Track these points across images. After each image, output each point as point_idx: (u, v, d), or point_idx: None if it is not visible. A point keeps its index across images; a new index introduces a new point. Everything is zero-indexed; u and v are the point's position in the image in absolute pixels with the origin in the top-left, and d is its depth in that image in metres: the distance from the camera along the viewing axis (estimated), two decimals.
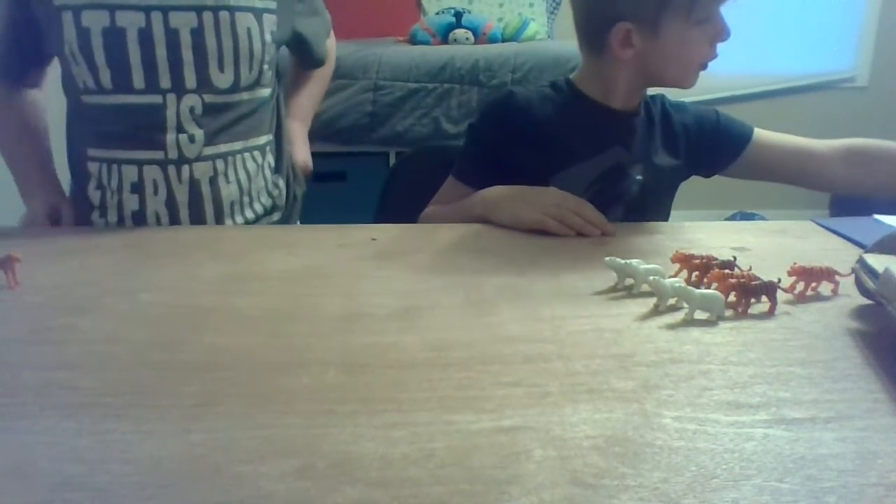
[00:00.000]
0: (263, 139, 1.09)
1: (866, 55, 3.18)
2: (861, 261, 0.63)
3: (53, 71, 1.06)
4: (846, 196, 3.02)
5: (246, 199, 1.06)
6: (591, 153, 1.01)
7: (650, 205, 1.03)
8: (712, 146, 1.06)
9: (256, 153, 1.07)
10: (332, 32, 1.33)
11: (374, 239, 0.86)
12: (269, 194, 1.11)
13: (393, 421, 0.44)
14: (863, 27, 3.16)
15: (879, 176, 1.01)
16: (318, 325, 0.60)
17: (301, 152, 1.25)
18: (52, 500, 0.37)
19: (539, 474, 0.38)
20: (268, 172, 1.11)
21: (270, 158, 1.12)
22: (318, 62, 1.27)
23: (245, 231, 1.00)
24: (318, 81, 1.33)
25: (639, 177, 1.01)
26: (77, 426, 0.44)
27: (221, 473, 0.39)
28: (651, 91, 1.06)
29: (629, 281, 0.68)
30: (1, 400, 0.47)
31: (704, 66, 0.97)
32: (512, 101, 1.04)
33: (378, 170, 2.14)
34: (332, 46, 1.34)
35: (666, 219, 1.10)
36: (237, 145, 1.04)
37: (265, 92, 1.07)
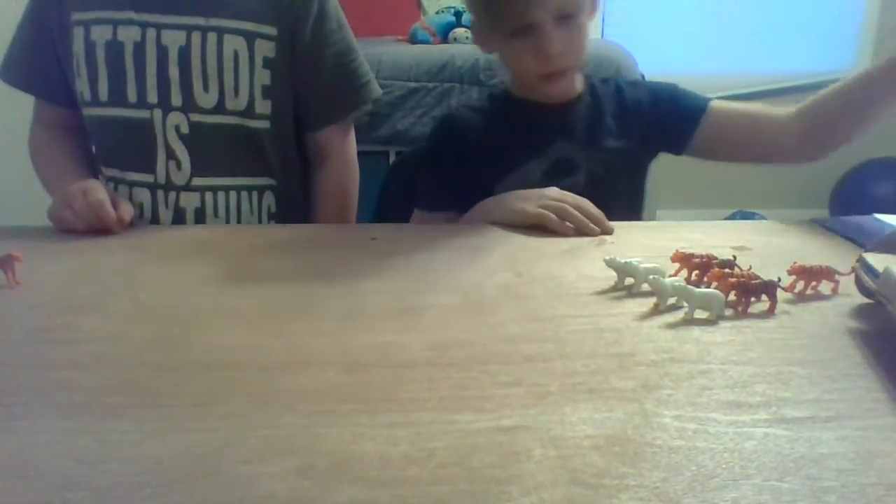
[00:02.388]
0: (262, 180, 1.05)
1: (866, 55, 3.17)
2: (861, 260, 0.63)
3: None
4: (846, 195, 3.03)
5: None
6: (533, 154, 1.01)
7: (610, 190, 0.99)
8: (668, 120, 1.03)
9: (254, 193, 1.04)
10: (350, 151, 1.13)
11: (373, 239, 0.86)
12: None
13: (393, 420, 0.44)
14: (863, 26, 3.16)
15: (833, 133, 0.96)
16: (318, 324, 0.60)
17: None
18: (52, 500, 0.37)
19: (539, 474, 0.38)
20: (265, 218, 1.06)
21: (272, 203, 1.06)
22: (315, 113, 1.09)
23: (245, 231, 1.00)
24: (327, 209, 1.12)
25: (586, 167, 1.01)
26: (77, 426, 0.44)
27: (221, 473, 0.39)
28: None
29: (629, 280, 0.68)
30: (1, 400, 0.47)
31: (551, 78, 0.96)
32: (450, 122, 1.07)
33: (378, 169, 2.12)
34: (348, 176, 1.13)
35: (639, 202, 1.09)
36: (228, 180, 1.02)
37: (261, 125, 1.02)
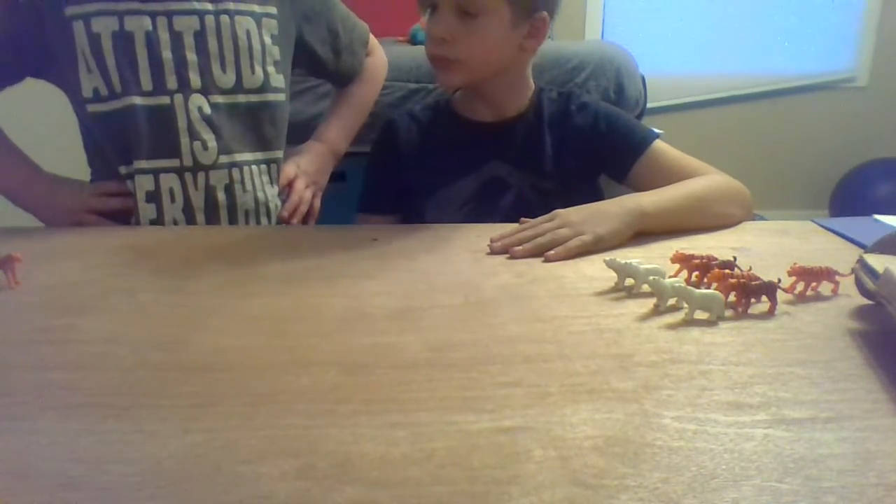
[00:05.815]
0: (273, 154, 1.10)
1: (866, 55, 3.18)
2: (861, 261, 0.63)
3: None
4: (846, 195, 3.03)
5: (262, 209, 1.07)
6: (467, 170, 1.03)
7: (540, 212, 0.88)
8: (608, 150, 1.02)
9: (262, 167, 1.08)
10: (374, 48, 1.28)
11: (374, 239, 0.86)
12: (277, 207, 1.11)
13: (393, 421, 0.44)
14: (863, 27, 3.16)
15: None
16: (319, 325, 0.60)
17: (292, 169, 1.14)
18: (52, 500, 0.37)
19: (539, 474, 0.38)
20: (270, 191, 1.10)
21: (275, 176, 1.11)
22: (338, 76, 1.23)
23: (245, 231, 1.00)
24: (350, 106, 1.26)
25: (517, 188, 1.01)
26: (77, 426, 0.44)
27: (221, 473, 0.39)
28: (561, 88, 1.08)
29: (629, 281, 0.68)
30: (1, 400, 0.47)
31: (434, 63, 1.02)
32: (392, 127, 1.09)
33: None
34: (376, 66, 1.29)
35: None
36: (253, 156, 1.06)
37: (278, 97, 1.07)
